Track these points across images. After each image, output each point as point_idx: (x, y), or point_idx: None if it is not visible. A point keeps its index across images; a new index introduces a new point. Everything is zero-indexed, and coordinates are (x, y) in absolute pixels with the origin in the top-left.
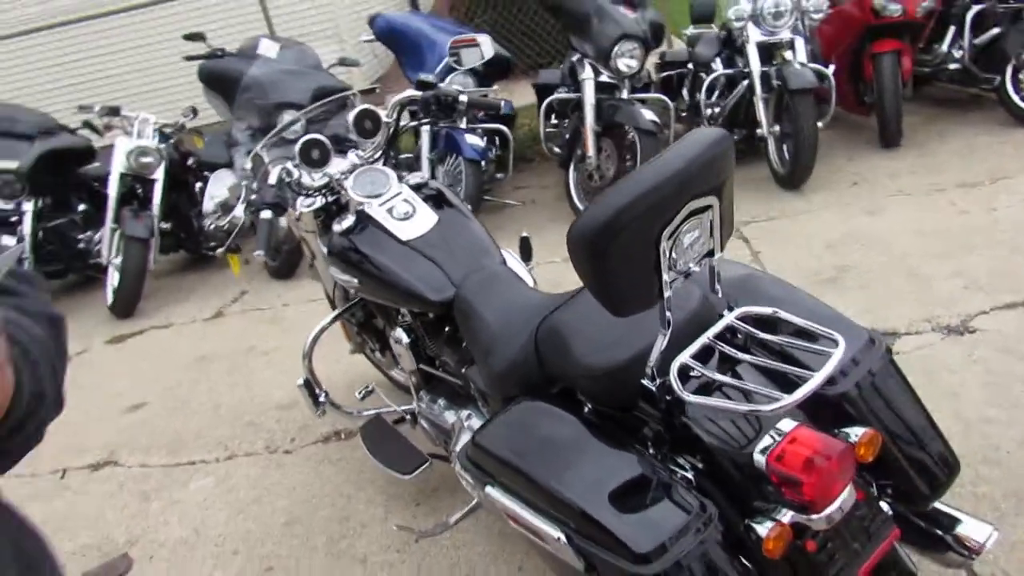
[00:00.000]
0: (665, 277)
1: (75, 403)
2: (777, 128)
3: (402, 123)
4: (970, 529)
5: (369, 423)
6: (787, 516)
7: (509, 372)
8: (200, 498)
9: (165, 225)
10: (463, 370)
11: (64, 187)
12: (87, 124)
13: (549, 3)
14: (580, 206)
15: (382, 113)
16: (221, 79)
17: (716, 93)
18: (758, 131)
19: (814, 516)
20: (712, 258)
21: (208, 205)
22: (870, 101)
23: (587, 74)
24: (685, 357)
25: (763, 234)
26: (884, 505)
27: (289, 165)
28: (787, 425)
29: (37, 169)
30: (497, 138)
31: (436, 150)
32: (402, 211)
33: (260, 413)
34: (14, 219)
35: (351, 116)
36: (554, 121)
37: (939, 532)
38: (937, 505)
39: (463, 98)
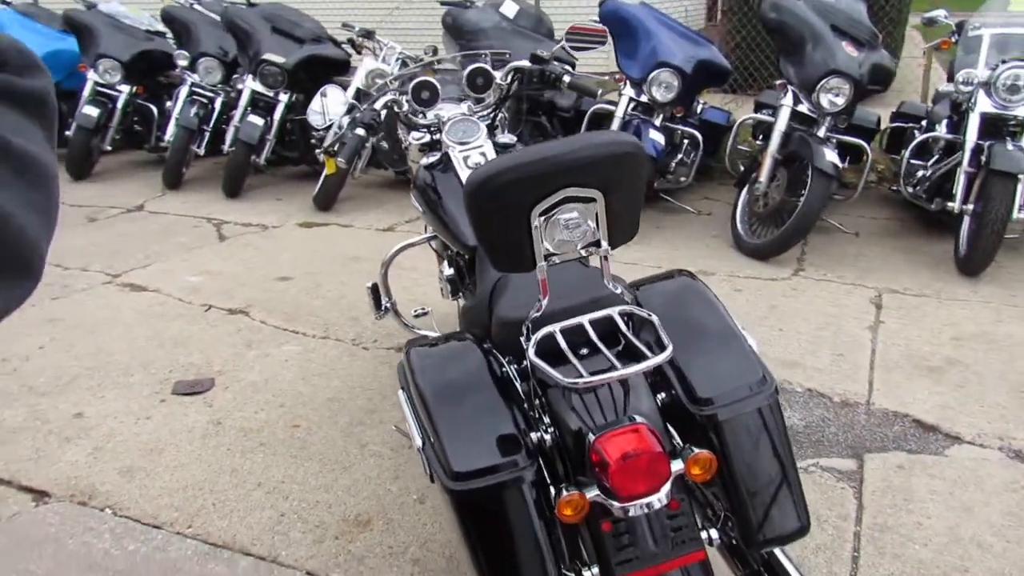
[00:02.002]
0: (539, 249)
1: (246, 261)
2: (970, 207)
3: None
4: None
5: (414, 340)
6: (592, 492)
7: (471, 313)
8: (284, 358)
9: (384, 144)
10: None
11: (316, 89)
12: (350, 41)
13: (770, 21)
14: (740, 227)
15: (497, 75)
16: (458, 26)
17: (935, 157)
18: (949, 204)
19: (613, 502)
20: (600, 249)
21: (316, 119)
22: None
23: (786, 101)
24: (555, 328)
25: (900, 306)
26: (714, 532)
27: (402, 99)
28: (637, 419)
29: (299, 68)
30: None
31: None
32: (475, 161)
33: (365, 313)
34: (272, 105)
35: (466, 72)
36: (759, 142)
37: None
38: (776, 552)
39: (566, 79)
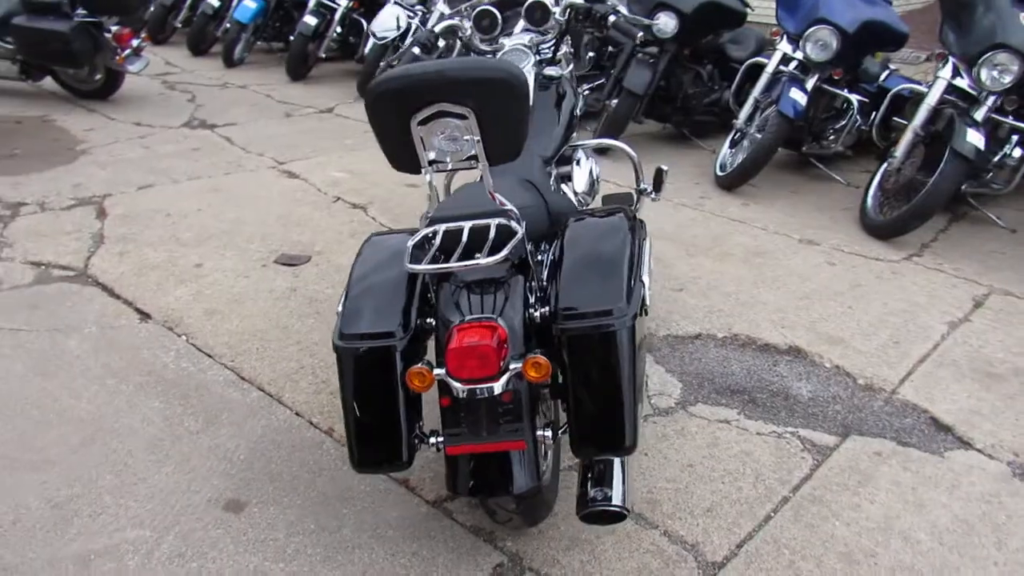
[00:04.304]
0: (422, 155)
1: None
2: None
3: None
4: (606, 493)
5: (377, 232)
6: (439, 371)
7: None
8: None
9: None
10: None
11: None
12: None
13: None
14: (870, 202)
15: (556, 10)
16: None
17: None
18: None
19: (454, 383)
20: (478, 163)
21: (379, 32)
22: None
23: (943, 73)
24: (439, 227)
25: (1004, 309)
26: (548, 432)
27: (466, 25)
28: (496, 319)
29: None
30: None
31: (769, 93)
32: None
33: None
34: None
35: (526, 4)
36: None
37: (587, 474)
38: (616, 463)
39: (611, 19)
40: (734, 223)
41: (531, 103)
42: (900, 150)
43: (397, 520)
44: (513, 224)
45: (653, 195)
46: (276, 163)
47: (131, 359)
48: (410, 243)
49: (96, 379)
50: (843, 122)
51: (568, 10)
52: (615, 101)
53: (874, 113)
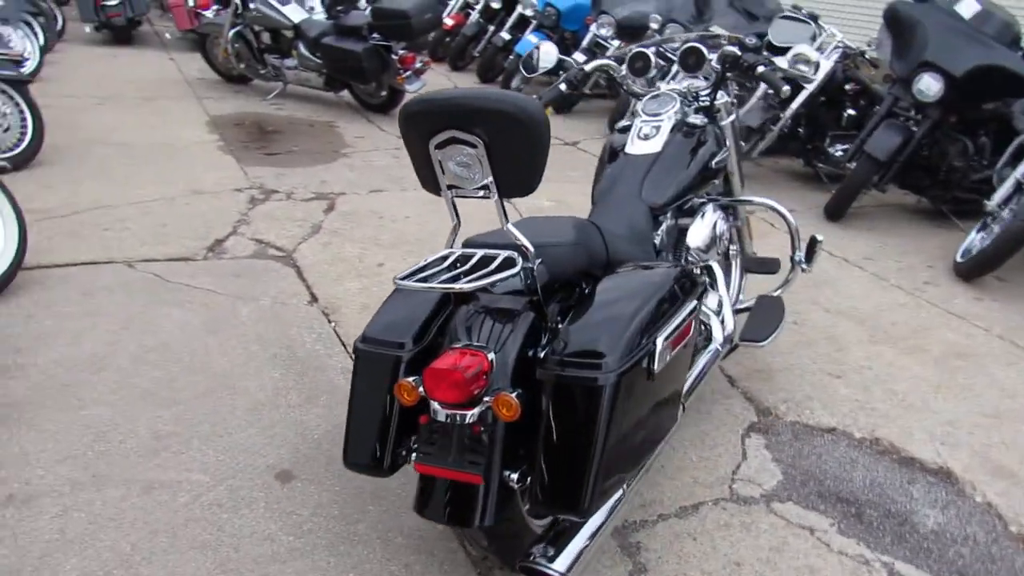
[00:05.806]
0: (440, 177)
1: None
2: None
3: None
4: (549, 553)
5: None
6: (422, 388)
7: None
8: None
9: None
10: None
11: None
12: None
13: None
14: None
15: (711, 56)
16: (900, 20)
17: None
18: None
19: (433, 403)
20: (490, 192)
21: (528, 67)
22: None
23: None
24: (457, 251)
25: None
26: (515, 475)
27: (622, 67)
28: (487, 349)
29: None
30: None
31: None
32: (645, 132)
33: None
34: None
35: (681, 49)
36: None
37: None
38: (584, 528)
39: (760, 69)
40: (950, 316)
41: (663, 152)
42: None
43: (411, 530)
44: (513, 255)
45: (804, 266)
46: None
47: (280, 333)
48: (423, 261)
49: (244, 343)
50: None
51: (723, 58)
52: (854, 164)
53: None
